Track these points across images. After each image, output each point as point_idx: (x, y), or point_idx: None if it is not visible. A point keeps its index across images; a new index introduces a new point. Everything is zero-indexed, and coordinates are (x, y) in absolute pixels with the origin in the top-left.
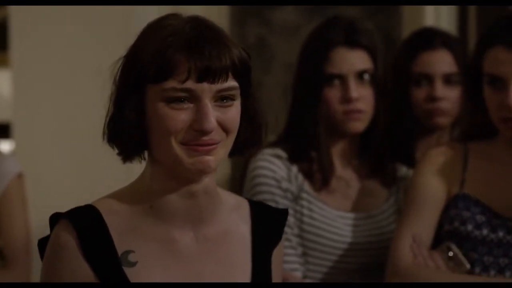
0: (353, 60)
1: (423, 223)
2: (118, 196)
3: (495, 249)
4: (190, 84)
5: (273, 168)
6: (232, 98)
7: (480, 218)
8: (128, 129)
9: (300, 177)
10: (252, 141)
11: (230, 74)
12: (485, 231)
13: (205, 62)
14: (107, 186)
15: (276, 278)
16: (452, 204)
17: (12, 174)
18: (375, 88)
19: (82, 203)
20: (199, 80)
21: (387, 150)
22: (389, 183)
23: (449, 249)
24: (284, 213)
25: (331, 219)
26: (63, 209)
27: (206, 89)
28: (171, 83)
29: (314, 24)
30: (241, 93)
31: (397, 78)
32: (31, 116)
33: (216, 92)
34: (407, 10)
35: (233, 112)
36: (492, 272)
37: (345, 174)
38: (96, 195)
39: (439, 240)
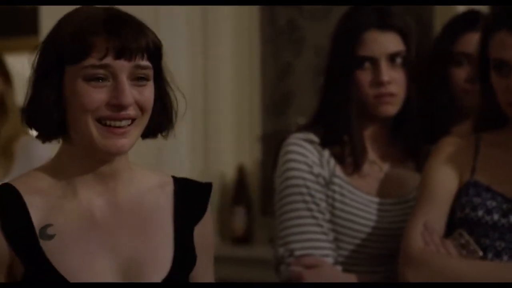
0: (385, 43)
1: (435, 211)
2: (37, 174)
3: (507, 234)
4: (108, 60)
5: (305, 153)
6: (146, 78)
7: (490, 203)
8: (46, 110)
9: (332, 161)
10: (164, 122)
11: (145, 56)
12: (496, 216)
13: (122, 41)
14: None
15: (201, 252)
16: (463, 191)
17: (43, 159)
18: (407, 71)
19: None
20: (117, 57)
21: (420, 134)
22: (423, 168)
23: (461, 237)
24: (208, 187)
25: (363, 204)
26: None
27: (124, 66)
28: (90, 61)
29: (344, 7)
30: (155, 77)
31: (436, 59)
32: None
33: (133, 69)
34: None
35: (148, 91)
36: (505, 258)
37: (377, 159)
38: None
39: (452, 228)
